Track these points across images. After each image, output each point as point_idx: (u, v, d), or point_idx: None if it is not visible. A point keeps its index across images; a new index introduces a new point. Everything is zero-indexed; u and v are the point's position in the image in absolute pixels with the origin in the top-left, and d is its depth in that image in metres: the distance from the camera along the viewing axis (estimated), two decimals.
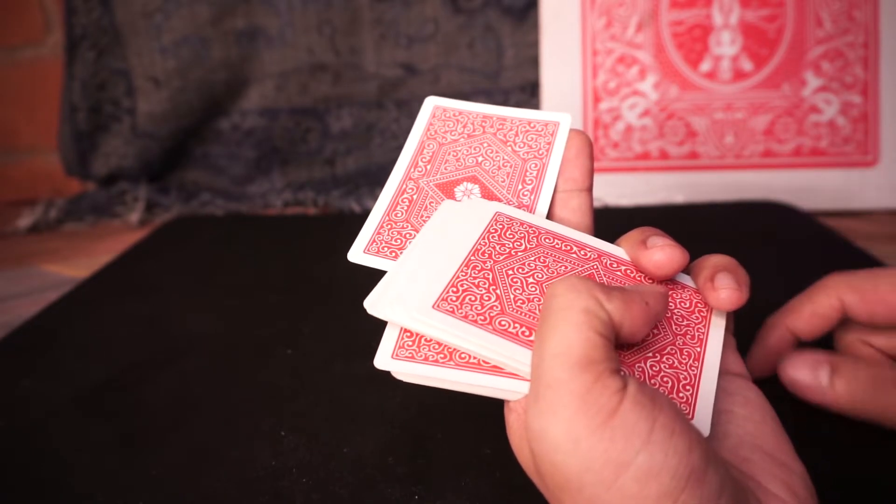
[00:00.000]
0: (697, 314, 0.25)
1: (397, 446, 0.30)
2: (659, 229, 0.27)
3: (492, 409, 0.31)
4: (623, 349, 0.23)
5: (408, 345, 0.24)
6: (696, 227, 0.58)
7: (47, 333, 0.45)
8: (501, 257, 0.25)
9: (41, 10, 0.84)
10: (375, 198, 0.73)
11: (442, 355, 0.23)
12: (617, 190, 0.67)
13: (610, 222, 0.62)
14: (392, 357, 0.23)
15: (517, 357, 0.22)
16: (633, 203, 0.66)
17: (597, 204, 0.67)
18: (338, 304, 0.46)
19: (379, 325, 0.24)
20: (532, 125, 0.31)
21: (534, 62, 0.72)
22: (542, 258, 0.25)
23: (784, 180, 0.65)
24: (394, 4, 0.75)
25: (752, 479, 0.21)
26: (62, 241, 0.70)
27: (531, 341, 0.22)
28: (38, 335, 0.44)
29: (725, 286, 0.24)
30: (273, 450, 0.31)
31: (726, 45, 0.65)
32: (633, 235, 0.26)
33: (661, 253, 0.25)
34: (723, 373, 0.24)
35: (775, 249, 0.52)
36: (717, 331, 0.25)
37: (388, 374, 0.37)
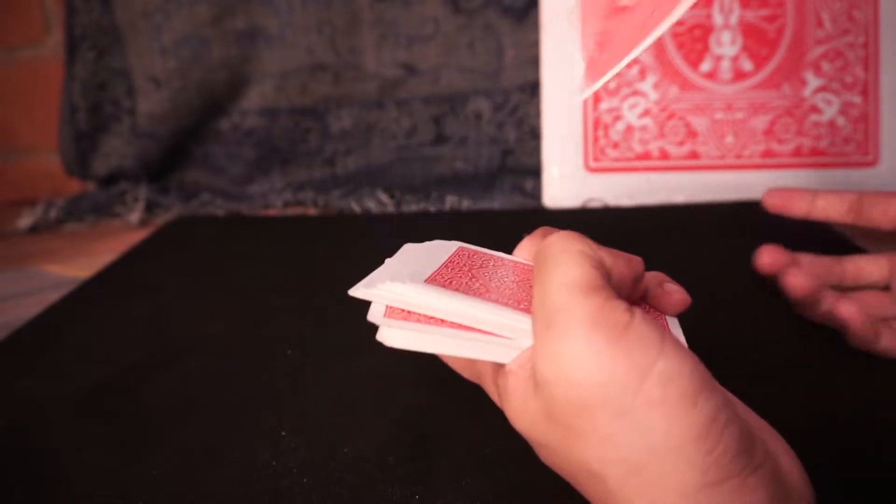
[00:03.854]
0: (654, 313, 0.27)
1: (397, 446, 0.30)
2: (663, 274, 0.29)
3: (492, 410, 0.31)
4: None
5: (398, 312, 0.24)
6: (696, 227, 0.58)
7: (47, 333, 0.45)
8: (475, 267, 0.26)
9: (41, 10, 0.84)
10: (375, 198, 0.73)
11: (434, 319, 0.23)
12: (617, 190, 0.67)
13: (610, 222, 0.62)
14: (385, 315, 0.23)
15: (513, 317, 0.22)
16: (634, 203, 0.66)
17: (597, 204, 0.67)
18: (338, 304, 0.46)
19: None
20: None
21: (534, 62, 0.72)
22: (514, 271, 0.26)
23: (784, 180, 0.65)
24: (394, 4, 0.75)
25: None
26: (62, 241, 0.70)
27: (524, 309, 0.23)
28: (39, 335, 0.44)
29: (676, 290, 0.27)
30: (273, 450, 0.31)
31: (726, 45, 0.65)
32: (648, 279, 0.28)
33: (679, 296, 0.27)
34: None
35: None
36: (674, 323, 0.27)
37: (388, 373, 0.37)
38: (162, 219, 0.75)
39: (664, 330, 0.20)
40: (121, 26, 0.77)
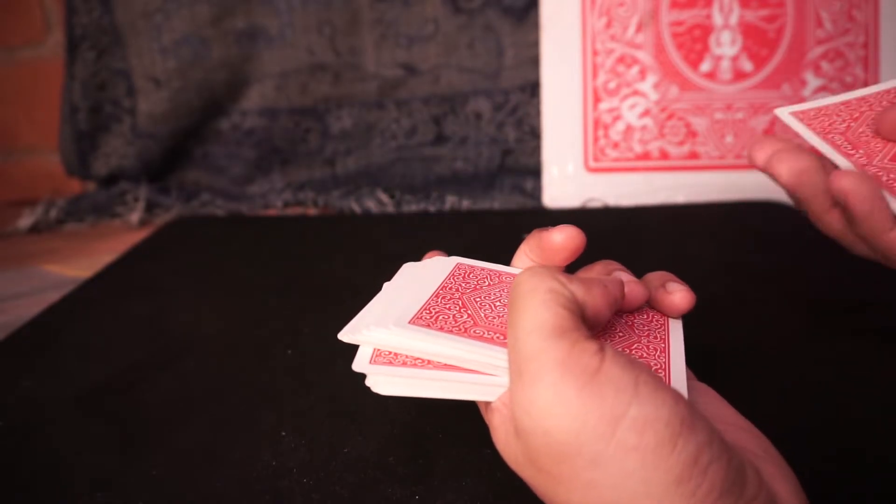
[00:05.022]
0: (656, 322, 0.27)
1: (397, 446, 0.30)
2: (671, 273, 0.29)
3: None
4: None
5: (385, 354, 0.24)
6: (696, 227, 0.58)
7: (47, 333, 0.45)
8: (468, 290, 0.27)
9: (41, 10, 0.84)
10: (375, 198, 0.73)
11: (420, 361, 0.24)
12: (617, 190, 0.67)
13: (610, 222, 0.62)
14: (371, 363, 0.24)
15: (496, 355, 0.22)
16: (634, 203, 0.66)
17: (597, 204, 0.67)
18: (338, 304, 0.46)
19: None
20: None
21: (534, 62, 0.72)
22: (508, 290, 0.26)
23: None
24: (394, 4, 0.75)
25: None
26: (62, 241, 0.70)
27: (507, 343, 0.22)
28: (39, 335, 0.44)
29: (678, 289, 0.27)
30: (273, 450, 0.31)
31: (726, 45, 0.65)
32: (651, 280, 0.28)
33: (680, 295, 0.27)
34: None
35: (775, 249, 0.52)
36: (676, 329, 0.26)
37: None
38: (162, 219, 0.75)
39: (640, 370, 0.19)
40: (121, 26, 0.77)
